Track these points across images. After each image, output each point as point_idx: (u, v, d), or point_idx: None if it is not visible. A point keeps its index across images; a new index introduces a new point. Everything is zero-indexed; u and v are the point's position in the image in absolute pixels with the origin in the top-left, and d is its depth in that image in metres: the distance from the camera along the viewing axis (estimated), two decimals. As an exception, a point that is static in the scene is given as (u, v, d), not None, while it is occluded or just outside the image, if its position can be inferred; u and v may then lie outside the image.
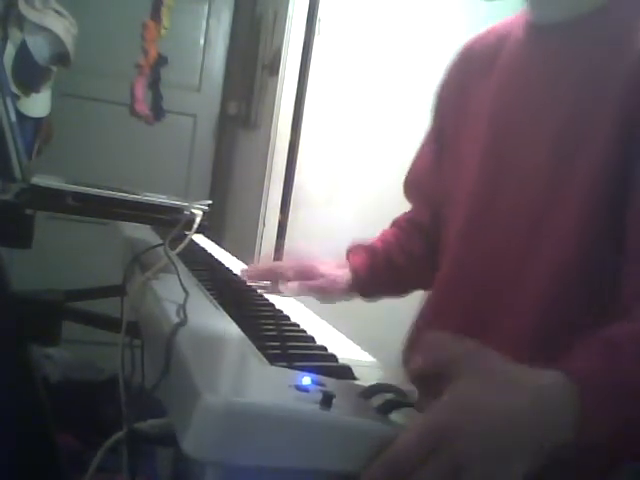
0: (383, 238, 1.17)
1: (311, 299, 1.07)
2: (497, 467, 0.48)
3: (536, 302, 0.80)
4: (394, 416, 0.51)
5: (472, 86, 0.96)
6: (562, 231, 0.77)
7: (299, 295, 1.03)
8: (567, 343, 0.70)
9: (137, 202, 0.96)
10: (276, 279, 1.05)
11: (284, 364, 0.58)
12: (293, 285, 1.03)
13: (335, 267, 1.11)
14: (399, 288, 1.16)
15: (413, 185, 1.14)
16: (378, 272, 1.11)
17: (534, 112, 0.84)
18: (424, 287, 1.07)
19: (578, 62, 0.80)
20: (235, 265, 1.22)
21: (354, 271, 1.10)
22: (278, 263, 1.10)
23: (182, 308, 0.67)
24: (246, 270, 1.09)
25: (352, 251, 1.15)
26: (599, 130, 0.75)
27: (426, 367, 0.54)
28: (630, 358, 0.56)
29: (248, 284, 1.04)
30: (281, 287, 1.03)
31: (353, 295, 1.12)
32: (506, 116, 0.88)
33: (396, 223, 1.19)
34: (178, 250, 0.86)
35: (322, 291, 1.06)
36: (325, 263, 1.10)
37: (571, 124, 0.79)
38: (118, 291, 1.02)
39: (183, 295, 0.73)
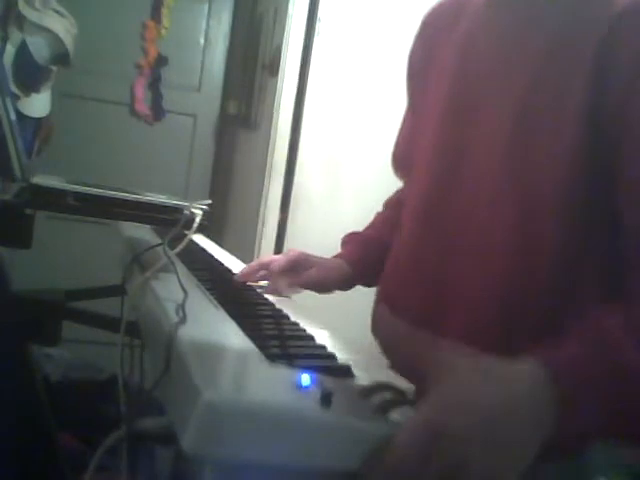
0: (375, 224, 1.16)
1: (310, 293, 1.05)
2: (496, 462, 0.48)
3: (500, 275, 0.77)
4: (393, 415, 0.51)
5: (436, 51, 0.95)
6: (527, 201, 0.75)
7: (293, 293, 1.00)
8: (532, 324, 0.70)
9: (137, 202, 0.96)
10: (269, 276, 1.02)
11: (284, 363, 0.58)
12: (285, 283, 1.00)
13: (327, 259, 1.08)
14: None
15: (398, 158, 1.13)
16: (373, 259, 1.08)
17: (497, 75, 0.81)
18: None
19: (543, 23, 0.77)
20: (235, 265, 1.22)
21: (349, 262, 1.07)
22: (268, 258, 1.05)
23: (181, 308, 0.67)
24: (239, 273, 1.06)
25: (346, 241, 1.13)
26: (568, 96, 0.72)
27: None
28: (618, 343, 0.56)
29: (247, 284, 1.03)
30: (275, 286, 1.00)
31: (351, 285, 1.10)
32: (468, 80, 0.85)
33: (387, 204, 1.19)
34: (177, 250, 0.86)
35: (315, 283, 1.03)
36: (316, 257, 1.07)
37: (536, 89, 0.76)
38: (118, 291, 1.02)
39: (182, 295, 0.73)
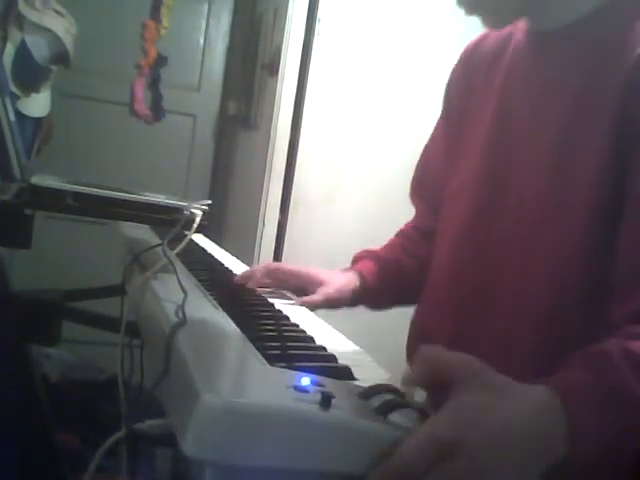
0: (390, 247, 1.14)
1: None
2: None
3: (536, 299, 0.80)
4: (393, 417, 0.51)
5: (476, 85, 0.97)
6: (565, 230, 0.78)
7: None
8: (567, 342, 0.70)
9: (136, 202, 0.96)
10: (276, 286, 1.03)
11: (283, 364, 0.58)
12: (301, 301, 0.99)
13: (338, 274, 1.06)
14: (410, 296, 1.09)
15: (421, 182, 1.12)
16: (389, 281, 1.08)
17: (536, 113, 0.85)
18: None
19: (575, 65, 0.81)
20: (235, 265, 1.22)
21: (363, 280, 1.06)
22: (276, 269, 1.05)
23: (181, 308, 0.67)
24: (244, 278, 1.04)
25: (359, 259, 1.11)
26: (597, 132, 0.76)
27: (421, 381, 0.55)
28: (617, 369, 0.56)
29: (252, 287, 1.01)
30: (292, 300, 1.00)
31: (360, 304, 1.08)
32: (509, 116, 0.89)
33: (401, 232, 1.17)
34: (177, 250, 0.86)
35: (329, 302, 1.01)
36: (325, 271, 1.05)
37: (570, 126, 0.80)
38: (118, 291, 1.02)
39: (182, 295, 0.73)
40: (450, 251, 0.95)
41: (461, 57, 1.04)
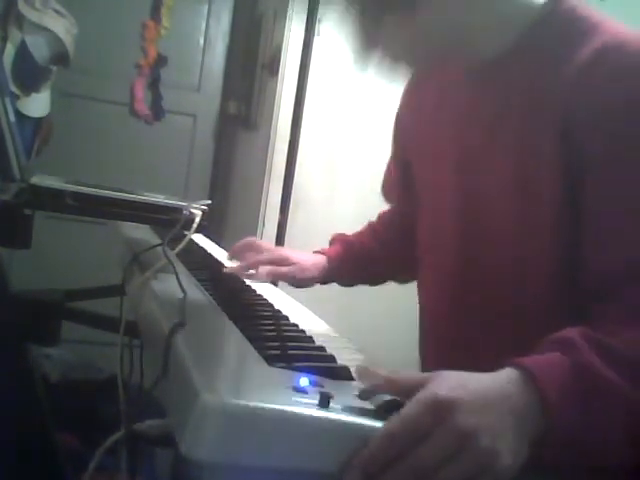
0: (362, 230, 1.26)
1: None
2: (497, 437, 0.50)
3: (525, 318, 0.82)
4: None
5: (428, 109, 1.00)
6: (536, 246, 0.80)
7: (269, 280, 1.12)
8: None
9: (136, 202, 0.96)
10: (254, 262, 1.14)
11: (283, 365, 0.58)
12: (264, 270, 1.11)
13: (307, 256, 1.18)
14: (370, 277, 1.25)
15: (386, 193, 1.22)
16: (350, 262, 1.19)
17: (489, 143, 0.86)
18: (396, 279, 1.21)
19: (519, 88, 0.82)
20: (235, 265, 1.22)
21: (328, 260, 1.18)
22: (256, 243, 1.21)
23: (180, 308, 0.67)
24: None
25: (332, 242, 1.23)
26: (547, 152, 0.77)
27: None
28: (579, 348, 0.59)
29: (241, 279, 1.07)
30: (254, 272, 1.12)
31: (327, 281, 1.20)
32: (465, 143, 0.90)
33: (379, 216, 1.27)
34: (177, 250, 0.86)
35: (291, 278, 1.15)
36: (298, 253, 1.19)
37: (523, 149, 0.81)
38: (117, 291, 1.02)
39: (182, 295, 0.73)
40: (447, 273, 0.95)
41: (403, 97, 1.13)
